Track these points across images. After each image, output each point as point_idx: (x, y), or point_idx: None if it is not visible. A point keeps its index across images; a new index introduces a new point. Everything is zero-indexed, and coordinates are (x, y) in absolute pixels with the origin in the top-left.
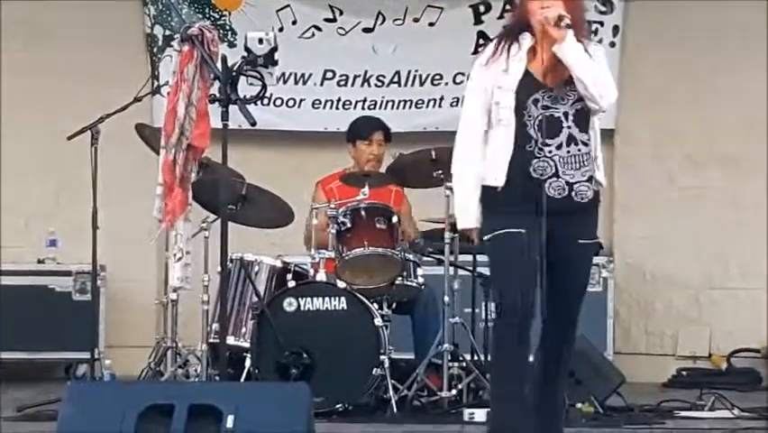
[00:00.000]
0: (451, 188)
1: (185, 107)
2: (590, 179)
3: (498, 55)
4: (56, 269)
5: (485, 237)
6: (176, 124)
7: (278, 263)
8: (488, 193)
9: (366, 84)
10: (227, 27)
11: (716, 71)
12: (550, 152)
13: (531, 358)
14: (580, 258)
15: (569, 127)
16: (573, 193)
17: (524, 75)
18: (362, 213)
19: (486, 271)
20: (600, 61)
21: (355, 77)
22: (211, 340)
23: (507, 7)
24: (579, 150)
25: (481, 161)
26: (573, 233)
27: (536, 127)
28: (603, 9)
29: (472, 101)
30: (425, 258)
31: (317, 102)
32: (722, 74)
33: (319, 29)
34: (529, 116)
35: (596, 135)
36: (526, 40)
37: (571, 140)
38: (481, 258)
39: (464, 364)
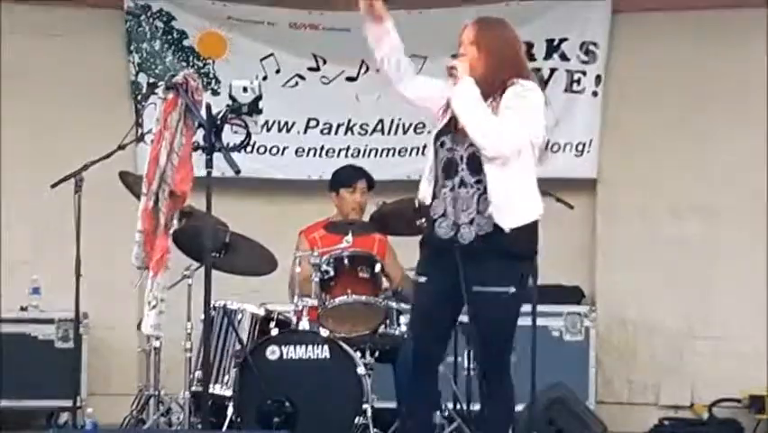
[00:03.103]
0: None
1: (167, 155)
2: (472, 221)
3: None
4: (38, 317)
5: None
6: (156, 172)
7: (261, 311)
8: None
9: (349, 132)
10: (211, 75)
11: (698, 122)
12: (444, 192)
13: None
14: (481, 306)
15: (462, 170)
16: (459, 235)
17: (448, 116)
18: (345, 261)
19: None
20: (517, 106)
21: (339, 125)
22: (194, 388)
23: None
24: (467, 192)
25: None
26: (469, 279)
27: (440, 168)
28: (585, 59)
29: None
30: (407, 306)
31: (301, 150)
32: (704, 124)
33: (303, 78)
34: (439, 158)
35: (497, 179)
36: None
37: (462, 183)
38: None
39: (447, 413)
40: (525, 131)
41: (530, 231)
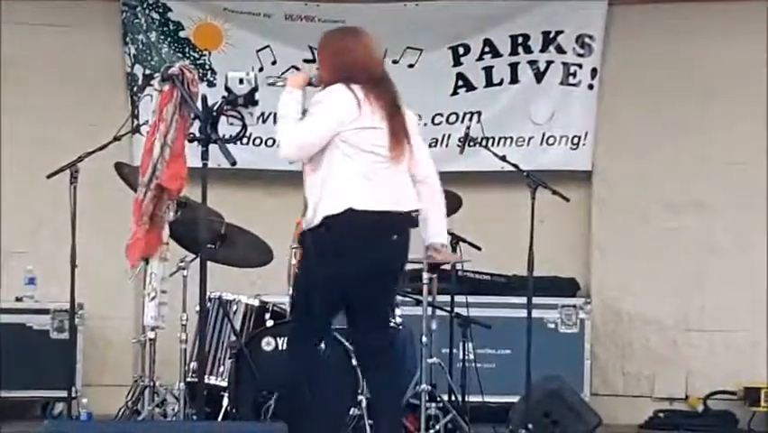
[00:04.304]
0: None
1: (160, 147)
2: None
3: None
4: (34, 307)
5: None
6: (149, 164)
7: (257, 303)
8: None
9: None
10: (207, 67)
11: (694, 115)
12: None
13: None
14: None
15: None
16: None
17: None
18: None
19: (464, 311)
20: (310, 111)
21: None
22: (189, 379)
23: (486, 49)
24: None
25: None
26: None
27: None
28: (581, 52)
29: None
30: (402, 298)
31: None
32: (700, 117)
33: (299, 69)
34: None
35: (306, 180)
36: None
37: None
38: (459, 299)
39: (441, 405)
40: (304, 132)
41: (326, 227)
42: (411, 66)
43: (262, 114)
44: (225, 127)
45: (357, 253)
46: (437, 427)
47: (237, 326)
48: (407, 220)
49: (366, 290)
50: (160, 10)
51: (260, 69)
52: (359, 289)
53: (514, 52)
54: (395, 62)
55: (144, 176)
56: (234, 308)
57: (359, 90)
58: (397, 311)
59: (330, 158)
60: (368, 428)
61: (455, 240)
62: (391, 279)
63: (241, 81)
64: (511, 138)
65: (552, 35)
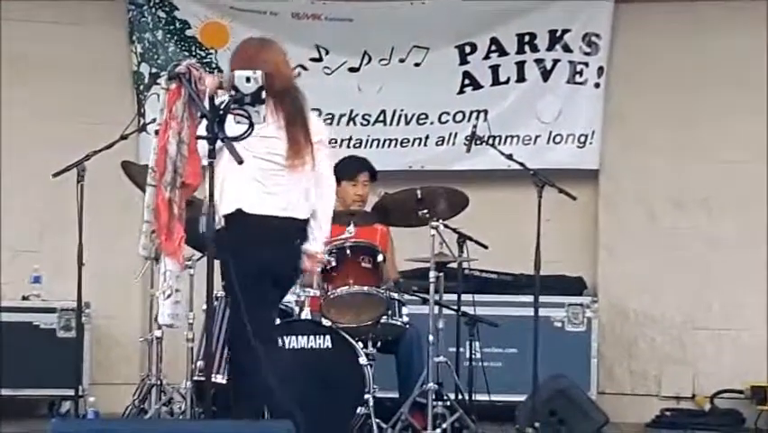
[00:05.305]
0: (436, 228)
1: (176, 145)
2: None
3: None
4: (40, 305)
5: None
6: (168, 162)
7: None
8: None
9: (352, 123)
10: (213, 65)
11: (700, 112)
12: None
13: None
14: None
15: None
16: None
17: None
18: (348, 251)
19: (471, 310)
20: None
21: (341, 116)
22: (195, 378)
23: (493, 48)
24: None
25: None
26: None
27: None
28: (588, 50)
29: None
30: (409, 297)
31: None
32: (705, 116)
33: (305, 68)
34: None
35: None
36: None
37: None
38: (466, 297)
39: (448, 404)
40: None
41: (229, 225)
42: (417, 64)
43: None
44: (232, 126)
45: (247, 254)
46: (444, 425)
47: None
48: (300, 227)
49: (253, 292)
50: (167, 8)
51: None
52: (248, 289)
53: (520, 51)
54: (401, 60)
55: (165, 174)
56: None
57: None
58: (404, 310)
59: (226, 160)
60: (374, 427)
61: (462, 238)
62: (278, 283)
63: (248, 80)
64: (518, 137)
65: (558, 34)
